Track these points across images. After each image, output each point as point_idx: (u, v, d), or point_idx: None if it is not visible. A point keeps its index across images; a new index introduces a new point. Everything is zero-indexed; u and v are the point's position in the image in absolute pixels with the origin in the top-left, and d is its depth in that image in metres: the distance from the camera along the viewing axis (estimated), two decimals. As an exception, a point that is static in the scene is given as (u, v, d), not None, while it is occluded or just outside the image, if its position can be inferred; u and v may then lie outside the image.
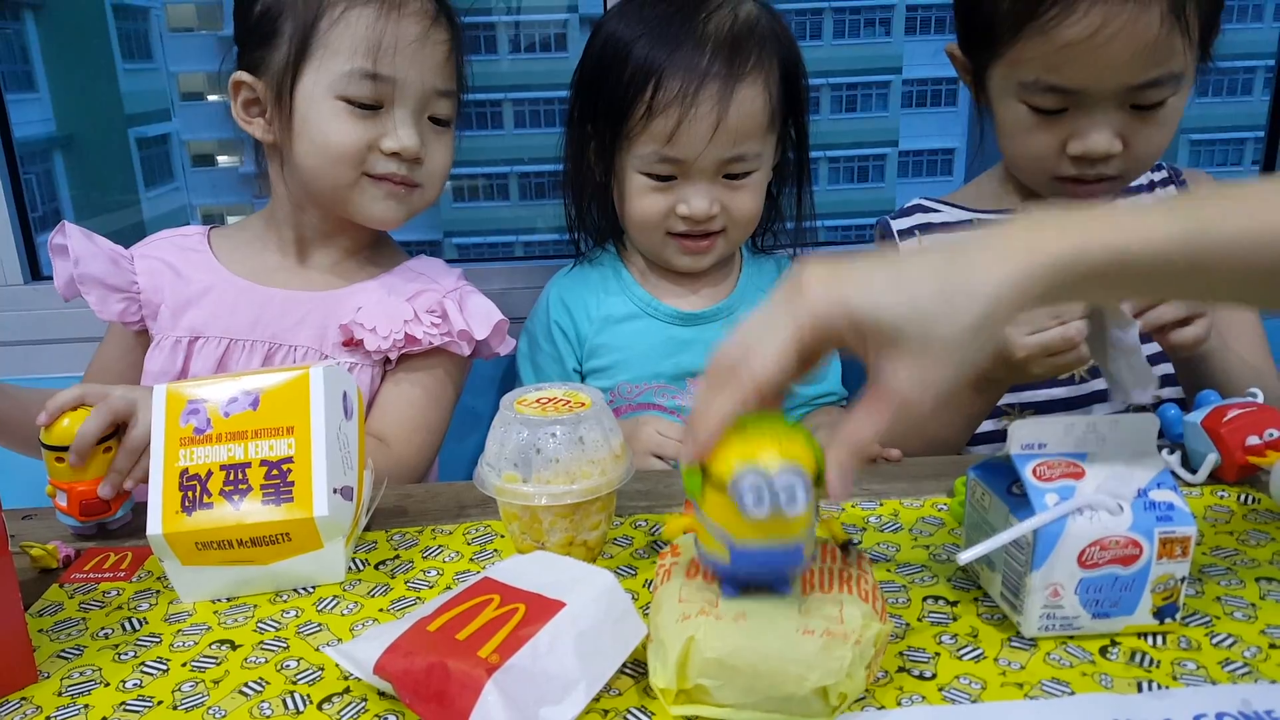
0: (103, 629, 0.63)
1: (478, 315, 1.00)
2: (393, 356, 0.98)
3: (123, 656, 0.60)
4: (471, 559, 0.71)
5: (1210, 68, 0.91)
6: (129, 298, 1.00)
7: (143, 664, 0.59)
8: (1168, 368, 0.97)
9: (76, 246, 0.98)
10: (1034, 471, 0.58)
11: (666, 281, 1.08)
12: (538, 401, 0.68)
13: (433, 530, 0.75)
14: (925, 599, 0.63)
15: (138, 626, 0.64)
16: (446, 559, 0.71)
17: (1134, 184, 0.99)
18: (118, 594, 0.68)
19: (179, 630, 0.63)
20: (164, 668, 0.59)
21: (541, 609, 0.53)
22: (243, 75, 0.96)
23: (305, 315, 0.98)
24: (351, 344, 0.97)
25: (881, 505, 0.76)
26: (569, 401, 0.68)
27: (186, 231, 1.05)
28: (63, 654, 0.61)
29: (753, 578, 0.54)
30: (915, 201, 1.08)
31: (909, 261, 0.51)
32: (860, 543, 0.71)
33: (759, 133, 0.97)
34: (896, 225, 1.07)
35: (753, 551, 0.51)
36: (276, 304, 0.99)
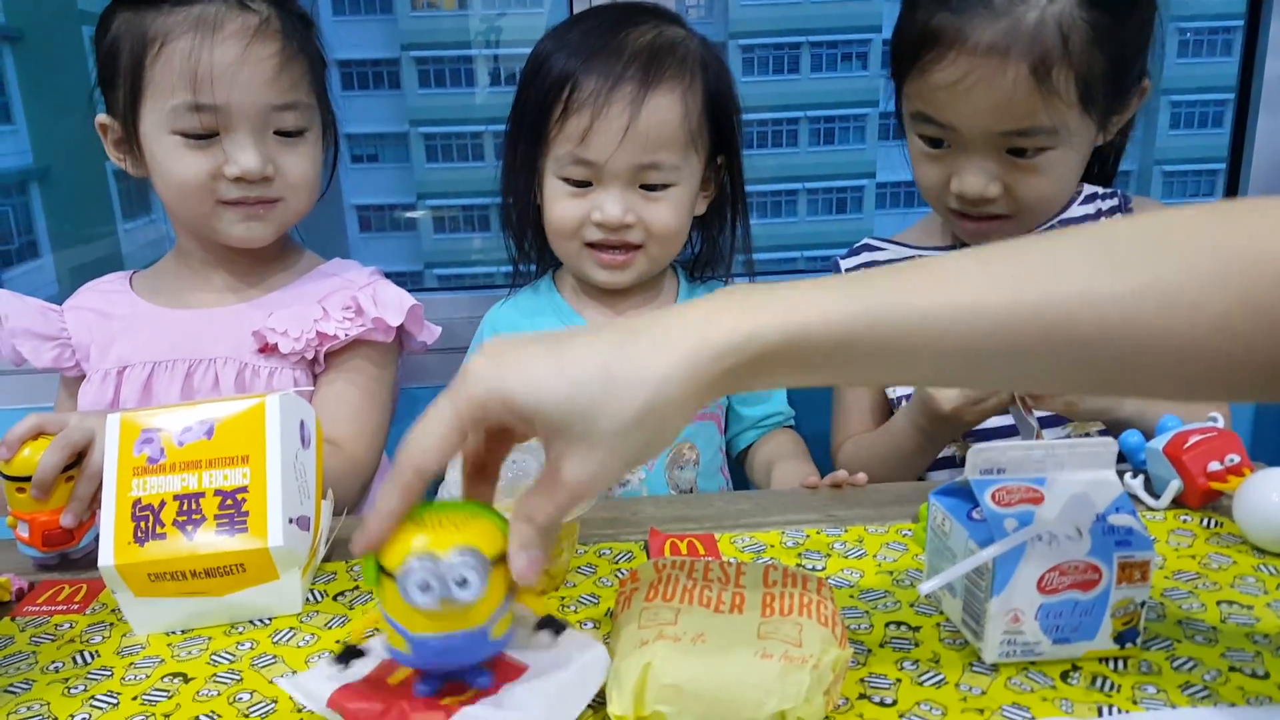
0: (53, 663, 0.62)
1: (391, 304, 1.02)
2: (309, 356, 0.99)
3: (73, 690, 0.59)
4: (432, 589, 0.70)
5: (1112, 143, 0.99)
6: (61, 344, 1.02)
7: (93, 698, 0.58)
8: None
9: (4, 305, 1.01)
10: (993, 497, 0.58)
11: (600, 305, 1.08)
12: (499, 429, 0.67)
13: (394, 560, 0.74)
14: (888, 625, 0.62)
15: (89, 660, 0.62)
16: (407, 589, 0.70)
17: (1079, 214, 1.01)
18: (70, 627, 0.67)
19: (131, 663, 0.62)
20: (114, 701, 0.58)
21: (505, 672, 0.52)
22: (103, 117, 0.98)
23: (221, 330, 1.00)
24: (267, 350, 0.98)
25: (846, 531, 0.76)
26: (530, 428, 0.67)
27: (109, 278, 1.08)
28: (10, 689, 0.59)
29: (439, 668, 0.51)
30: (864, 241, 1.13)
31: (578, 345, 0.47)
32: (825, 567, 0.70)
33: (676, 145, 0.98)
34: (845, 264, 1.13)
35: (431, 642, 0.48)
36: (192, 323, 1.01)
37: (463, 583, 0.47)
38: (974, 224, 0.99)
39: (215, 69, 0.91)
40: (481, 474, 0.53)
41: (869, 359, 0.47)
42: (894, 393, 1.07)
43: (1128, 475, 0.80)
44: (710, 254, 1.11)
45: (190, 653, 0.63)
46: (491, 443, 0.53)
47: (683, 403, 0.46)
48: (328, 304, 1.00)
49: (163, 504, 0.64)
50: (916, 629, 0.62)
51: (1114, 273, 0.46)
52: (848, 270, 1.11)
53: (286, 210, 0.99)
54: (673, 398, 0.46)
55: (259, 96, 0.93)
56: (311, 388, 1.00)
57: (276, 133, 0.96)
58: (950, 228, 1.05)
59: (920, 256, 1.08)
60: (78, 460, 0.75)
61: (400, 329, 1.03)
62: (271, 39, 0.94)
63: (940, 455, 1.04)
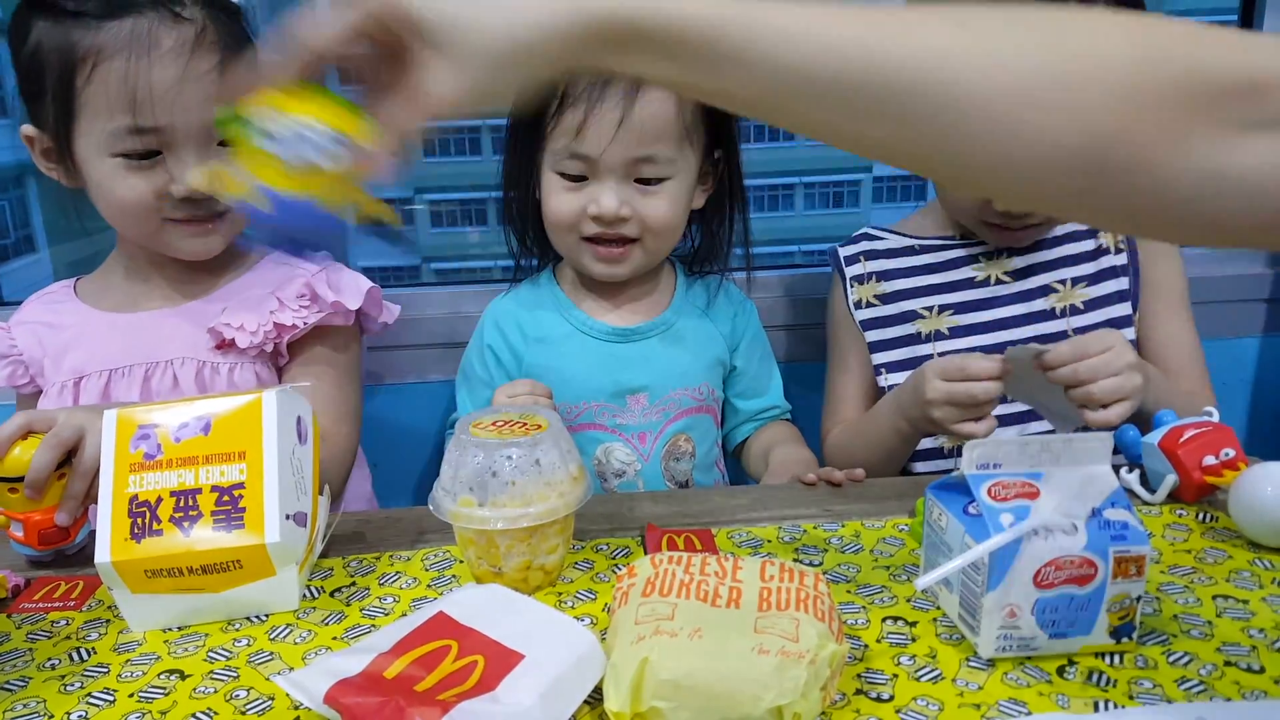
0: (50, 660, 0.62)
1: (347, 287, 1.00)
2: (268, 349, 0.97)
3: (69, 688, 0.59)
4: (429, 585, 0.70)
5: None
6: (13, 362, 1.00)
7: (89, 695, 0.58)
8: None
9: None
10: (989, 491, 0.58)
11: (600, 298, 1.09)
12: (494, 424, 0.67)
13: (390, 556, 0.74)
14: (885, 620, 0.62)
15: (86, 657, 0.62)
16: (404, 585, 0.70)
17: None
18: (67, 624, 0.67)
19: (127, 660, 0.62)
20: (110, 699, 0.58)
21: (501, 662, 0.52)
22: (29, 129, 0.94)
23: (174, 330, 0.98)
24: (224, 346, 0.96)
25: (843, 526, 0.76)
26: (525, 424, 0.67)
27: (52, 289, 1.05)
28: (6, 686, 0.59)
29: (287, 228, 0.56)
30: (863, 230, 1.15)
31: None
32: (822, 562, 0.70)
33: (670, 138, 0.98)
34: (843, 252, 1.14)
35: (287, 201, 0.54)
36: (145, 326, 0.99)
37: (319, 149, 0.53)
38: (1011, 234, 1.02)
39: (155, 90, 0.86)
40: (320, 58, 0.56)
41: (719, 59, 0.50)
42: (885, 380, 1.07)
43: (1123, 470, 0.80)
44: (709, 248, 1.11)
45: (187, 649, 0.63)
46: (387, 62, 0.54)
47: (547, 50, 0.50)
48: (282, 294, 0.98)
49: (159, 500, 0.64)
50: (913, 624, 0.62)
51: (954, 31, 0.48)
52: (846, 258, 1.12)
53: (234, 219, 0.97)
54: (538, 40, 0.50)
55: (203, 114, 0.88)
56: (278, 382, 0.98)
57: (220, 144, 0.91)
58: (980, 231, 1.05)
59: (922, 244, 1.08)
60: (69, 457, 0.75)
61: (359, 312, 1.01)
62: (210, 50, 0.89)
63: (928, 447, 1.04)
